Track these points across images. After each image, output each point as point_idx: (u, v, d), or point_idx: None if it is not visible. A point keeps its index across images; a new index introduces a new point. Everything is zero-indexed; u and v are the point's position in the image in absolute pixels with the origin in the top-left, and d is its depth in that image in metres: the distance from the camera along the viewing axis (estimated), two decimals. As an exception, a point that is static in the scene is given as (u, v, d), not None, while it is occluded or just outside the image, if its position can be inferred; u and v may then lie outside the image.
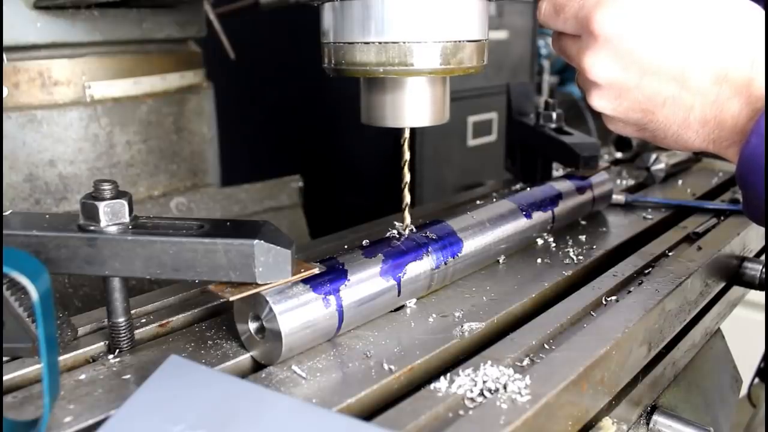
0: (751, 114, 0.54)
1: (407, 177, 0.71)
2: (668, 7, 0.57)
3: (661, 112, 0.59)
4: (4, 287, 0.49)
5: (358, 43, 0.62)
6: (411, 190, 0.71)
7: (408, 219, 0.71)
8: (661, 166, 1.16)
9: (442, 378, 0.53)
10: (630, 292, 0.70)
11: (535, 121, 1.06)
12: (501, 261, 0.79)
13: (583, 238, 0.86)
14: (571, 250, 0.83)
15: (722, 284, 0.88)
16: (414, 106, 0.66)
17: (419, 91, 0.66)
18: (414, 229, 0.71)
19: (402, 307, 0.67)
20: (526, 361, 0.57)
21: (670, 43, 0.56)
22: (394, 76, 0.64)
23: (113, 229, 0.55)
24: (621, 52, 0.57)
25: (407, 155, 0.70)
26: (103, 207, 0.55)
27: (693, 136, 0.59)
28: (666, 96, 0.58)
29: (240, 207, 1.25)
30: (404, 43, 0.61)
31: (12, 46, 0.95)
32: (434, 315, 0.66)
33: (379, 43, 0.61)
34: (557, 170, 1.11)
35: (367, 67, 0.63)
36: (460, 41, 0.63)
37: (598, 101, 0.62)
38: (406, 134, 0.70)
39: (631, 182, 1.18)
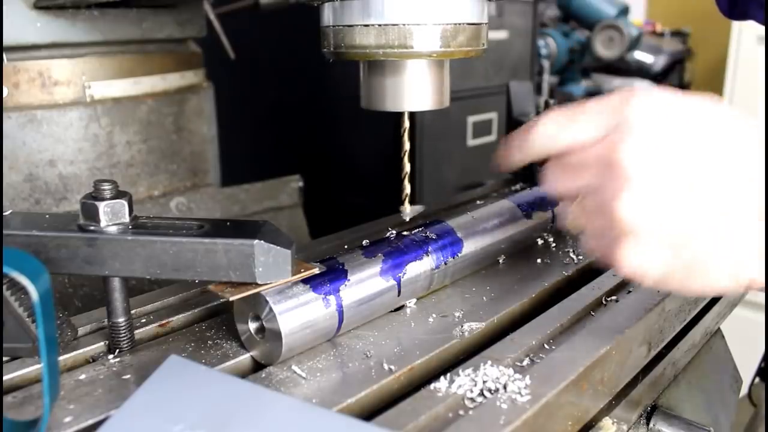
0: None
1: (407, 145, 0.71)
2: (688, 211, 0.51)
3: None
4: (4, 287, 0.49)
5: (357, 25, 0.62)
6: (411, 183, 0.71)
7: (408, 188, 0.71)
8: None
9: (442, 378, 0.53)
10: (630, 292, 0.70)
11: (535, 121, 1.06)
12: (501, 261, 0.79)
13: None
14: (571, 250, 0.83)
15: (722, 284, 0.88)
16: (414, 90, 0.66)
17: (419, 75, 0.66)
18: (419, 216, 0.70)
19: (402, 307, 0.67)
20: (526, 361, 0.57)
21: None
22: (394, 60, 0.63)
23: (113, 229, 0.55)
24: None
25: (407, 123, 0.70)
26: (103, 207, 0.55)
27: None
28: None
29: (240, 207, 1.25)
30: (404, 25, 0.61)
31: (12, 46, 0.95)
32: (434, 315, 0.66)
33: (379, 25, 0.61)
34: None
35: (366, 50, 0.62)
36: (460, 24, 0.63)
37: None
38: (406, 116, 0.70)
39: (631, 182, 1.17)
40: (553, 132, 0.55)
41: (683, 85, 3.98)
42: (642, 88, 0.54)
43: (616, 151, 0.51)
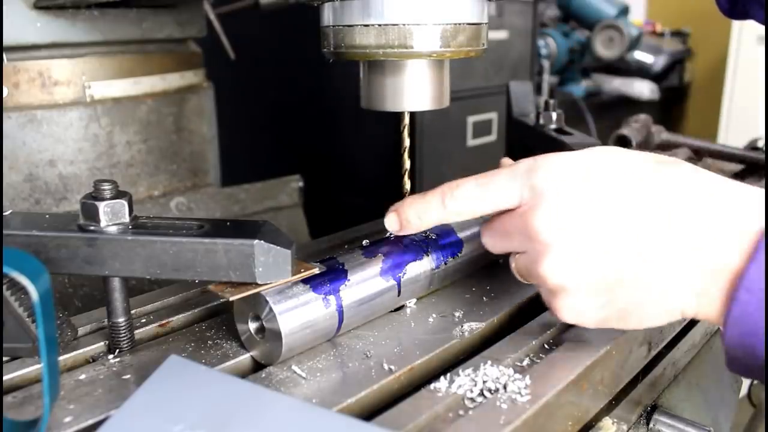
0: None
1: (407, 164, 0.71)
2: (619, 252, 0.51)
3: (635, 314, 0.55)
4: (4, 287, 0.49)
5: (357, 25, 0.62)
6: (411, 181, 0.71)
7: (408, 184, 0.71)
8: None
9: (442, 378, 0.53)
10: (630, 292, 0.70)
11: (535, 121, 1.06)
12: (501, 261, 0.79)
13: (583, 238, 0.86)
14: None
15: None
16: (414, 90, 0.66)
17: (419, 75, 0.66)
18: None
19: (402, 307, 0.67)
20: (526, 361, 0.57)
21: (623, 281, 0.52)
22: (394, 59, 0.63)
23: (113, 229, 0.55)
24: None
25: (407, 142, 0.70)
26: (103, 207, 0.55)
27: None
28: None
29: (240, 207, 1.25)
30: (404, 25, 0.61)
31: (12, 46, 0.95)
32: (434, 315, 0.66)
33: (379, 25, 0.61)
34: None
35: (366, 50, 0.62)
36: (460, 24, 0.63)
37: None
38: (406, 120, 0.70)
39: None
40: (468, 203, 0.58)
41: (683, 85, 3.98)
42: (547, 155, 0.56)
43: (530, 221, 0.54)
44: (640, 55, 3.35)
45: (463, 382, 0.52)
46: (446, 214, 0.59)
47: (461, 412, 0.49)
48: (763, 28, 1.11)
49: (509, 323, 0.66)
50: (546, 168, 0.55)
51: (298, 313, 0.55)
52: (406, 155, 0.71)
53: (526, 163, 0.56)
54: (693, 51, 3.98)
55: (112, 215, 0.55)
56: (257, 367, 0.58)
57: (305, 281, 0.57)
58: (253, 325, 0.57)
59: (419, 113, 1.65)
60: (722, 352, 0.50)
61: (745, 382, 1.15)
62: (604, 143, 1.37)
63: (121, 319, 0.58)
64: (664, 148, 1.31)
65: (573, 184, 0.53)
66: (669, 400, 0.76)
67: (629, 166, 0.53)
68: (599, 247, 0.52)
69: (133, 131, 1.07)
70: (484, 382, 0.52)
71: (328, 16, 0.65)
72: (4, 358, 0.55)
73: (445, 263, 0.69)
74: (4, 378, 0.54)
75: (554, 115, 1.04)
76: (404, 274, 0.64)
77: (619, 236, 0.51)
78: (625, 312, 0.54)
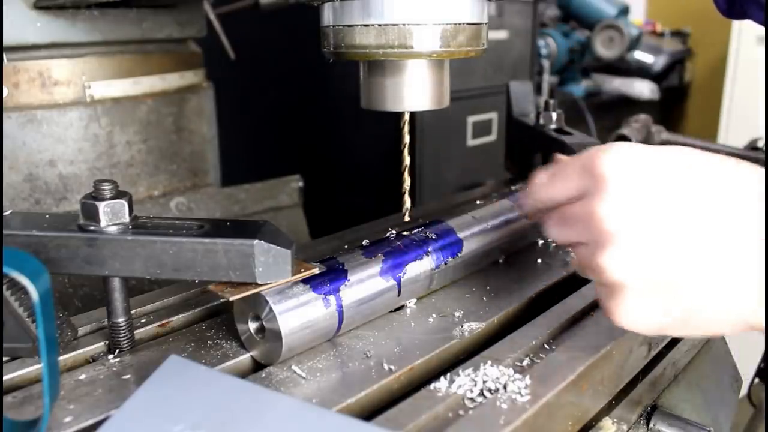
0: None
1: (407, 160, 0.71)
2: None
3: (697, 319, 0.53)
4: (4, 287, 0.49)
5: (357, 25, 0.62)
6: (411, 180, 0.72)
7: (408, 202, 0.72)
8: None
9: (442, 378, 0.53)
10: (630, 292, 0.70)
11: (535, 121, 1.06)
12: (501, 261, 0.79)
13: (583, 238, 0.86)
14: (571, 250, 0.82)
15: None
16: (414, 90, 0.66)
17: (419, 75, 0.66)
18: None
19: (402, 307, 0.67)
20: (526, 361, 0.57)
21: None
22: (394, 59, 0.64)
23: (113, 229, 0.55)
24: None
25: (407, 138, 0.71)
26: (103, 207, 0.55)
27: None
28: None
29: (240, 207, 1.25)
30: (404, 25, 0.61)
31: (12, 46, 0.95)
32: (434, 315, 0.66)
33: (379, 25, 0.61)
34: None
35: (366, 50, 0.63)
36: (460, 24, 0.63)
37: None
38: (406, 117, 0.70)
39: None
40: (538, 192, 0.58)
41: (683, 85, 3.98)
42: (612, 144, 0.54)
43: (595, 211, 0.51)
44: (640, 55, 3.35)
45: (463, 382, 0.52)
46: (532, 201, 0.59)
47: (461, 412, 0.49)
48: (762, 28, 1.11)
49: (509, 323, 0.66)
50: (612, 158, 0.52)
51: (298, 313, 0.55)
52: (405, 151, 0.71)
53: (589, 153, 0.54)
54: (693, 51, 3.98)
55: (112, 215, 0.55)
56: (257, 367, 0.58)
57: (305, 281, 0.57)
58: (253, 325, 0.57)
59: (419, 113, 1.65)
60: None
61: (745, 383, 1.15)
62: (604, 143, 1.36)
63: (121, 319, 0.58)
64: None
65: (641, 177, 0.50)
66: (669, 400, 0.76)
67: (708, 163, 0.50)
68: (667, 242, 0.49)
69: (133, 131, 1.07)
70: (484, 382, 0.52)
71: (328, 16, 0.65)
72: (4, 358, 0.55)
73: (445, 263, 0.69)
74: (4, 378, 0.54)
75: (554, 115, 1.04)
76: (404, 274, 0.64)
77: (691, 234, 0.48)
78: (687, 316, 0.51)
